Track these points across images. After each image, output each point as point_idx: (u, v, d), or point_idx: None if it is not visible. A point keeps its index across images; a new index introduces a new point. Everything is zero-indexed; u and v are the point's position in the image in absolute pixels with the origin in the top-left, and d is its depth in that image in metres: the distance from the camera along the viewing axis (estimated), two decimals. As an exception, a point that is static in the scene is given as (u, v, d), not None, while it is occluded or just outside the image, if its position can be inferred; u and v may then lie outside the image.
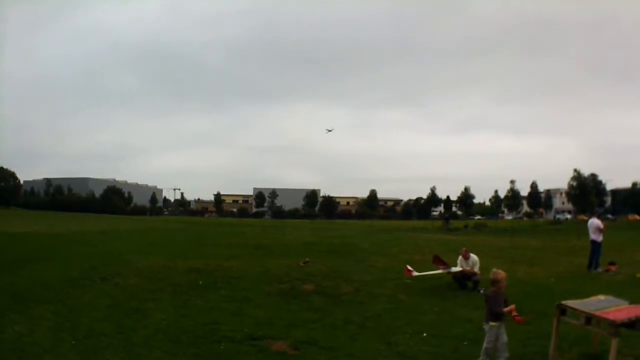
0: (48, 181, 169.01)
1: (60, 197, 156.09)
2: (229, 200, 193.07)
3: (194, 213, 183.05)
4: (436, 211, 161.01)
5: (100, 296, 14.38)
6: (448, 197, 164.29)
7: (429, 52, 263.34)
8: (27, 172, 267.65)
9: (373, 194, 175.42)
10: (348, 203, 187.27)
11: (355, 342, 10.22)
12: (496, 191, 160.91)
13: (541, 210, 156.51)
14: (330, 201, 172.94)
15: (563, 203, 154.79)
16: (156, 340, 10.36)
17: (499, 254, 24.33)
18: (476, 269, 15.30)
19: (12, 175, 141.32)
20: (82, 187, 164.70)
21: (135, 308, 13.17)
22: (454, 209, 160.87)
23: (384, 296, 14.71)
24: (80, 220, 70.10)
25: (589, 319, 7.56)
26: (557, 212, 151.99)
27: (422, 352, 9.25)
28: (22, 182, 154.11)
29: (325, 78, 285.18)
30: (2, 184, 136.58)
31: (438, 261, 16.32)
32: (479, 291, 14.41)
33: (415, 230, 59.48)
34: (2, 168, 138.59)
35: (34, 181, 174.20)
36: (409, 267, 16.89)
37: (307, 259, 20.50)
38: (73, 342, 9.88)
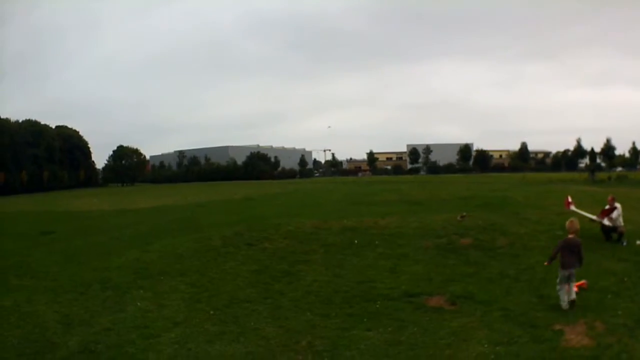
0: (180, 153, 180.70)
1: (196, 168, 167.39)
2: (382, 158, 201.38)
3: (347, 173, 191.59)
4: (582, 163, 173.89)
5: (245, 262, 15.89)
6: (592, 149, 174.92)
7: (560, 6, 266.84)
8: (157, 147, 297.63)
9: (524, 146, 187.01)
10: (501, 156, 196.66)
11: (509, 295, 11.46)
12: (634, 142, 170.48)
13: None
14: (483, 155, 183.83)
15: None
16: (306, 303, 11.44)
17: (638, 204, 24.87)
18: (615, 215, 17.07)
19: (135, 152, 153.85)
20: (221, 156, 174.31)
21: (285, 271, 14.55)
22: (597, 160, 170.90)
23: (538, 248, 15.77)
24: (221, 189, 75.11)
25: None
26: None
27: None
28: (148, 157, 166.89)
29: (465, 35, 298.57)
30: (123, 161, 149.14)
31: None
32: (622, 243, 16.46)
33: (564, 182, 61.58)
34: (122, 146, 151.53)
35: (163, 155, 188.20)
36: (570, 199, 19.02)
37: (464, 213, 21.93)
38: (212, 312, 11.08)
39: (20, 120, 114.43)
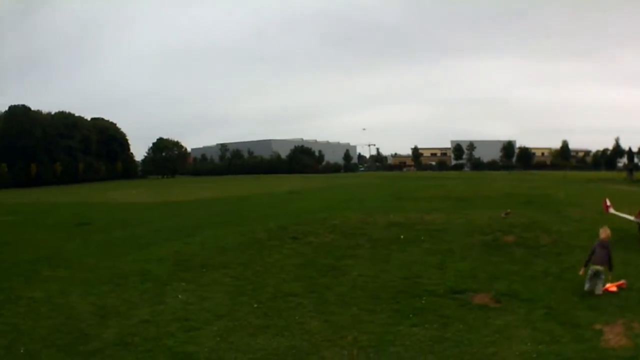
0: (223, 146, 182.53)
1: (239, 161, 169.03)
2: (426, 153, 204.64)
3: (392, 168, 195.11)
4: (621, 162, 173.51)
5: (291, 256, 16.18)
6: (630, 148, 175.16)
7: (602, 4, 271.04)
8: (199, 140, 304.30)
9: (565, 144, 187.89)
10: (543, 154, 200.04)
11: (552, 293, 11.67)
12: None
13: None
14: (526, 152, 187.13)
15: None
16: (352, 297, 11.62)
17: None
18: None
19: (176, 145, 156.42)
20: (264, 149, 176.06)
21: (331, 265, 14.79)
22: (635, 160, 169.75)
23: (580, 247, 15.83)
24: (265, 182, 76.09)
25: None
26: None
27: (611, 306, 10.62)
28: (189, 150, 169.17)
29: (506, 32, 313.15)
30: (164, 154, 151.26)
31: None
32: None
33: (603, 181, 63.89)
34: (162, 139, 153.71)
35: (205, 148, 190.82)
36: (608, 203, 19.49)
37: (509, 210, 22.47)
38: (255, 305, 11.26)
39: (52, 112, 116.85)
